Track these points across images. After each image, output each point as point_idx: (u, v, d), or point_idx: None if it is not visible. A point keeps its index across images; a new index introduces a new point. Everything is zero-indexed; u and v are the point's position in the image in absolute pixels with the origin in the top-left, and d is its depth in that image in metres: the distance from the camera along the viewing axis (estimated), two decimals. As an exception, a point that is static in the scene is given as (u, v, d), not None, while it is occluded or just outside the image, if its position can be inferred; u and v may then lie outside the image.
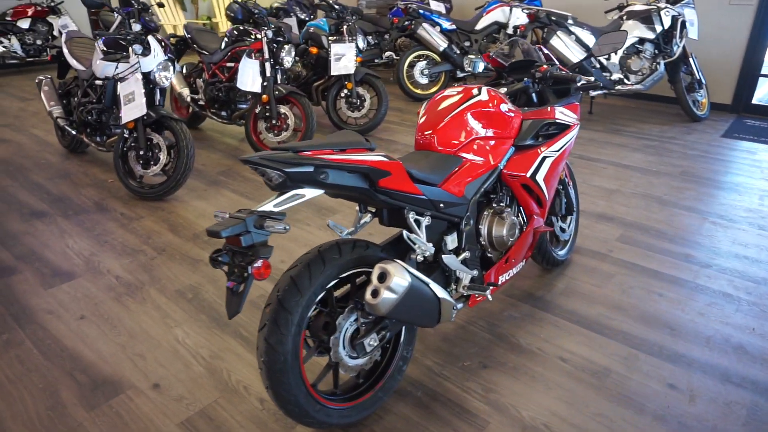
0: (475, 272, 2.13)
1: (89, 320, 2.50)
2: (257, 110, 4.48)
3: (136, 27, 5.09)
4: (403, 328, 1.98)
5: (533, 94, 2.46)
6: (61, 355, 2.27)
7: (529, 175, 2.24)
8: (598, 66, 5.27)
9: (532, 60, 2.53)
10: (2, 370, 2.19)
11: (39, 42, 8.08)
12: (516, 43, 2.59)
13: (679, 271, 2.88)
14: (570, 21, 5.20)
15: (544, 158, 2.29)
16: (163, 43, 3.80)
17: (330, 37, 5.04)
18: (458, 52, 6.38)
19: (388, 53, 7.10)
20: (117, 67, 3.72)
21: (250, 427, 1.91)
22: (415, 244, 1.85)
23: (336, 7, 5.29)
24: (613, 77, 5.33)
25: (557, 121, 2.36)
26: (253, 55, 4.40)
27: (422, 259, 1.89)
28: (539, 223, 2.39)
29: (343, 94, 5.16)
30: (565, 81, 2.33)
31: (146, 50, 3.63)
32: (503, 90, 2.45)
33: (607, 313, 2.53)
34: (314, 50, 5.20)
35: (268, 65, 4.38)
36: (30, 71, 8.57)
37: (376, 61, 7.35)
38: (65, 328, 2.44)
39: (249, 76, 4.37)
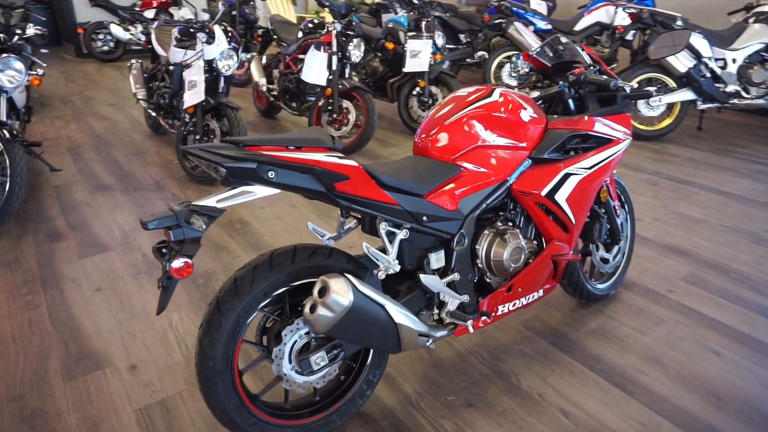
0: (466, 298, 1.88)
1: (103, 293, 2.60)
2: (320, 103, 4.46)
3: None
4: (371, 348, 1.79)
5: (569, 101, 2.11)
6: (66, 323, 2.38)
7: (544, 193, 1.92)
8: (709, 75, 4.56)
9: (575, 61, 2.18)
10: (12, 328, 2.33)
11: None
12: (556, 41, 2.26)
13: (753, 327, 2.35)
14: (679, 23, 4.55)
15: (567, 175, 1.96)
16: (229, 33, 3.90)
17: (408, 33, 4.88)
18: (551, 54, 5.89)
19: (480, 53, 6.76)
20: (185, 54, 3.88)
21: (200, 427, 1.84)
22: (377, 259, 1.65)
23: (415, 1, 5.11)
24: (727, 89, 4.59)
25: (593, 133, 2.01)
26: (322, 47, 4.38)
27: (384, 276, 1.68)
28: (562, 250, 2.06)
29: (415, 92, 4.99)
30: (604, 87, 1.97)
31: (210, 39, 3.74)
32: (535, 94, 2.14)
33: (640, 365, 2.13)
34: (390, 45, 5.07)
35: (334, 58, 4.34)
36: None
37: (467, 60, 7.05)
38: (80, 298, 2.55)
39: (315, 69, 4.36)
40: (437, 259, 1.80)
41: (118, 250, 2.99)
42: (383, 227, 1.69)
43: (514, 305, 2.03)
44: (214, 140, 3.82)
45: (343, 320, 1.50)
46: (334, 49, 4.34)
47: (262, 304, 1.58)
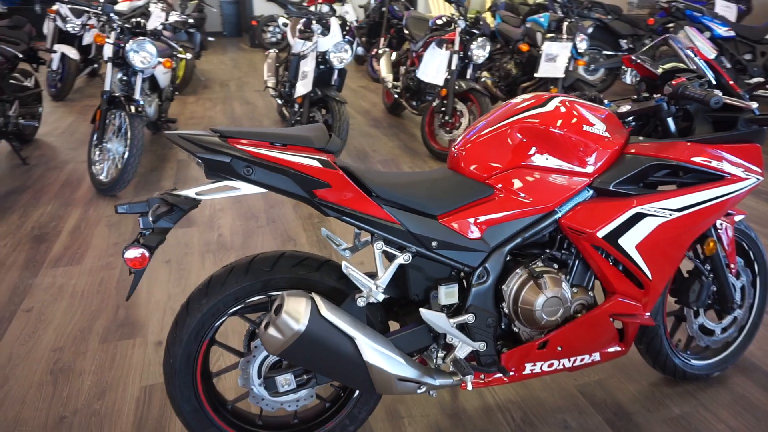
0: (482, 346, 1.55)
1: (169, 266, 2.73)
2: (435, 104, 4.24)
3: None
4: None
5: (669, 120, 1.63)
6: (126, 288, 2.54)
7: (602, 234, 1.50)
8: None
9: (686, 69, 1.69)
10: (86, 285, 2.56)
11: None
12: (667, 41, 1.76)
13: None
14: None
15: (640, 216, 1.51)
16: (347, 27, 3.87)
17: (546, 34, 4.43)
18: (728, 66, 4.90)
19: (643, 61, 5.92)
20: (303, 45, 3.95)
21: (187, 420, 1.79)
22: (358, 283, 1.42)
23: (558, 0, 4.61)
24: None
25: (689, 165, 1.52)
26: (444, 45, 4.16)
27: (365, 304, 1.44)
28: (630, 309, 1.61)
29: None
30: (704, 103, 1.47)
31: (326, 31, 3.75)
32: (625, 108, 1.69)
33: (723, 481, 1.59)
34: (525, 47, 4.65)
35: (455, 57, 4.08)
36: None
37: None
38: (149, 267, 2.72)
39: (433, 67, 4.15)
40: (447, 294, 1.51)
41: (200, 227, 3.14)
42: (378, 246, 1.45)
43: (550, 366, 1.64)
44: None
45: (294, 346, 1.31)
46: (456, 47, 4.08)
47: (234, 309, 1.46)
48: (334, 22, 3.77)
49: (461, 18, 4.08)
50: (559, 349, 1.61)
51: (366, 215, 1.40)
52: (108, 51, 3.43)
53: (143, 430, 1.75)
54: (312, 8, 9.29)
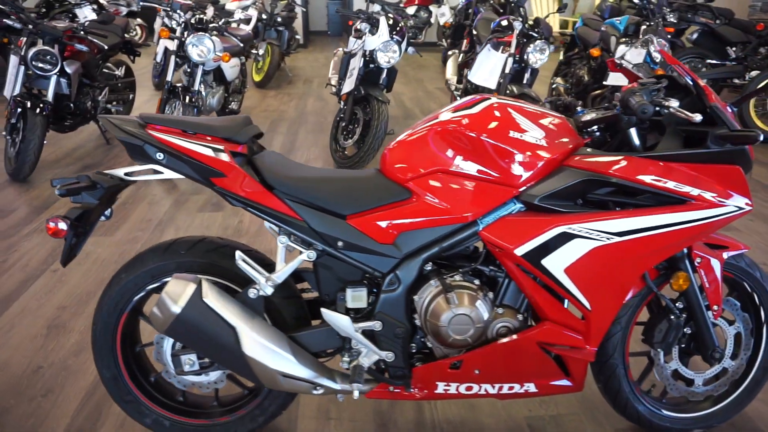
0: (389, 356, 1.48)
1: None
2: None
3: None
4: None
5: (630, 131, 1.42)
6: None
7: (520, 253, 1.36)
8: None
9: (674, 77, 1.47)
10: (108, 254, 2.82)
11: (420, 26, 9.34)
12: (648, 42, 1.54)
13: None
14: None
15: (566, 236, 1.34)
16: (398, 27, 3.86)
17: (620, 39, 4.08)
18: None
19: (753, 73, 5.22)
20: (355, 43, 4.00)
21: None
22: (250, 274, 1.41)
23: (636, 1, 4.20)
24: None
25: (636, 184, 1.33)
26: (501, 47, 3.99)
27: (256, 296, 1.43)
28: (562, 340, 1.45)
29: (612, 110, 4.14)
30: (633, 111, 1.26)
31: (374, 30, 3.77)
32: (589, 116, 1.51)
33: None
34: (596, 52, 4.31)
35: (510, 60, 3.90)
36: (409, 51, 10.01)
37: (735, 81, 5.50)
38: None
39: (486, 69, 4.01)
40: (354, 298, 1.46)
41: (226, 212, 3.32)
42: (281, 240, 1.44)
43: (469, 389, 1.52)
44: (356, 129, 3.88)
45: (174, 326, 1.35)
46: (512, 50, 3.90)
47: (151, 286, 1.53)
48: (383, 22, 3.78)
49: (518, 19, 3.88)
50: (477, 372, 1.49)
51: (267, 208, 1.40)
52: (171, 45, 3.74)
53: (99, 389, 1.89)
54: (409, 9, 9.39)
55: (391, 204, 1.43)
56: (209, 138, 1.40)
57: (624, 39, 4.03)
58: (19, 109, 3.61)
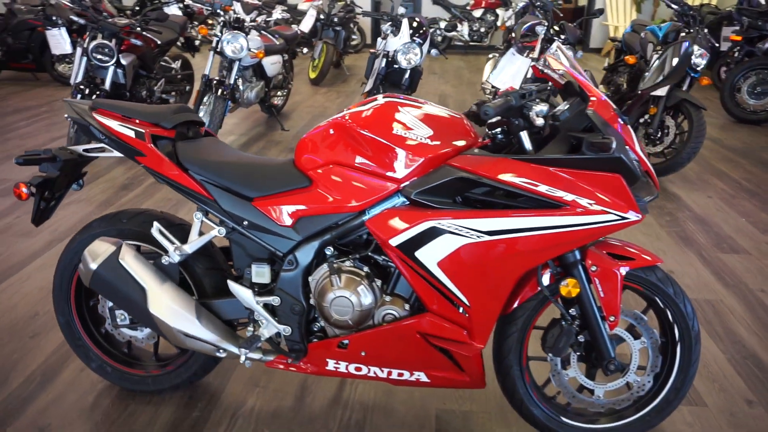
0: (286, 330, 1.62)
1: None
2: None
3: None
4: None
5: (521, 135, 1.44)
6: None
7: (395, 243, 1.43)
8: None
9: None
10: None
11: (483, 29, 9.27)
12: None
13: None
14: None
15: (436, 231, 1.40)
16: (422, 30, 3.95)
17: (656, 46, 3.90)
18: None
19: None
20: (379, 44, 4.13)
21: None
22: (163, 242, 1.60)
23: (674, 6, 3.98)
24: None
25: (499, 184, 1.36)
26: (526, 52, 3.96)
27: (168, 263, 1.61)
28: (443, 332, 1.51)
29: (643, 120, 3.97)
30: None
31: (396, 31, 3.88)
32: (491, 120, 1.55)
33: None
34: (631, 59, 4.13)
35: (530, 65, 3.85)
36: (473, 53, 9.94)
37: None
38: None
39: (508, 74, 3.99)
40: (257, 273, 1.62)
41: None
42: (197, 216, 1.63)
43: (358, 370, 1.62)
44: None
45: (93, 281, 1.57)
46: (536, 54, 3.85)
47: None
48: (405, 24, 3.87)
49: (542, 23, 3.83)
50: (363, 354, 1.59)
51: (182, 186, 1.59)
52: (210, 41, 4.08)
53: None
54: (476, 12, 9.34)
55: (293, 190, 1.56)
56: (138, 122, 1.61)
57: (659, 47, 3.84)
58: (79, 95, 4.10)
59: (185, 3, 6.71)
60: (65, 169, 1.71)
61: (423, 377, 1.62)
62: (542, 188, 1.36)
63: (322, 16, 6.82)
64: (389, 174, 1.47)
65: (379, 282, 1.56)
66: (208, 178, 1.58)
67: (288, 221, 1.56)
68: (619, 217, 1.38)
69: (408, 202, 1.48)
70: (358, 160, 1.50)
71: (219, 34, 4.11)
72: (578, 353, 1.61)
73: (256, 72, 4.74)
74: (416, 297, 1.57)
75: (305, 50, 5.83)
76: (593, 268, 1.50)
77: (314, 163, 1.55)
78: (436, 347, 1.55)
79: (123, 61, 4.25)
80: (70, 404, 1.84)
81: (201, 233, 1.65)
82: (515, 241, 1.38)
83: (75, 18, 4.07)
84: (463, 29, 9.34)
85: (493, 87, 4.36)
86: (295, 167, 1.59)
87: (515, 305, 1.56)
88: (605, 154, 1.34)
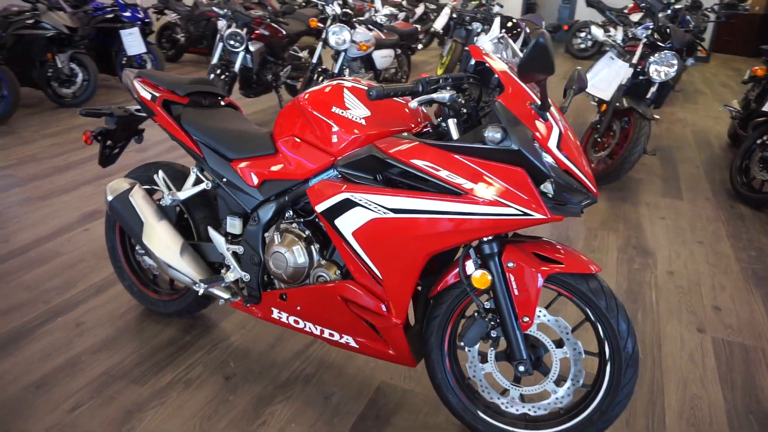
0: (246, 276, 1.87)
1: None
2: (594, 119, 3.81)
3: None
4: None
5: (448, 122, 1.48)
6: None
7: (320, 209, 1.58)
8: None
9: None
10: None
11: (640, 35, 8.52)
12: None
13: None
14: None
15: (349, 203, 1.51)
16: (517, 29, 3.89)
17: (792, 57, 3.36)
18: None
19: None
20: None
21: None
22: (163, 187, 1.94)
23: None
24: None
25: (412, 168, 1.43)
26: (626, 56, 3.69)
27: (169, 203, 1.95)
28: (359, 299, 1.62)
29: (760, 141, 3.44)
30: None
31: (486, 29, 3.88)
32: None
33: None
34: (760, 70, 3.58)
35: (629, 71, 3.58)
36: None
37: None
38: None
39: (604, 78, 3.74)
40: (230, 225, 1.89)
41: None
42: (194, 170, 1.95)
43: (296, 323, 1.81)
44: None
45: (110, 209, 1.97)
46: (634, 60, 3.56)
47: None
48: (496, 21, 3.85)
49: (644, 26, 3.52)
50: (298, 308, 1.77)
51: (182, 143, 1.91)
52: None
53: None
54: (633, 16, 8.67)
55: (262, 156, 1.80)
56: (159, 89, 1.97)
57: (795, 58, 3.29)
58: (212, 75, 4.82)
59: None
60: (120, 124, 2.15)
61: (351, 342, 1.74)
62: (443, 174, 1.41)
63: (455, 15, 6.93)
64: (326, 148, 1.63)
65: (317, 246, 1.73)
66: (200, 138, 1.89)
67: (255, 182, 1.79)
68: (520, 212, 1.36)
69: (339, 175, 1.62)
70: (307, 134, 1.68)
71: (326, 26, 4.50)
72: (495, 349, 1.60)
73: (366, 64, 5.06)
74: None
75: (446, 48, 5.99)
76: (509, 264, 1.49)
77: (279, 134, 1.77)
78: (358, 316, 1.67)
79: (251, 48, 4.87)
80: (106, 312, 2.31)
81: (196, 185, 1.97)
82: (416, 221, 1.45)
83: (216, 9, 4.78)
84: (617, 34, 8.66)
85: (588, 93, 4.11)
86: (270, 137, 1.82)
87: (439, 288, 1.61)
88: (503, 145, 1.34)
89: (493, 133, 1.35)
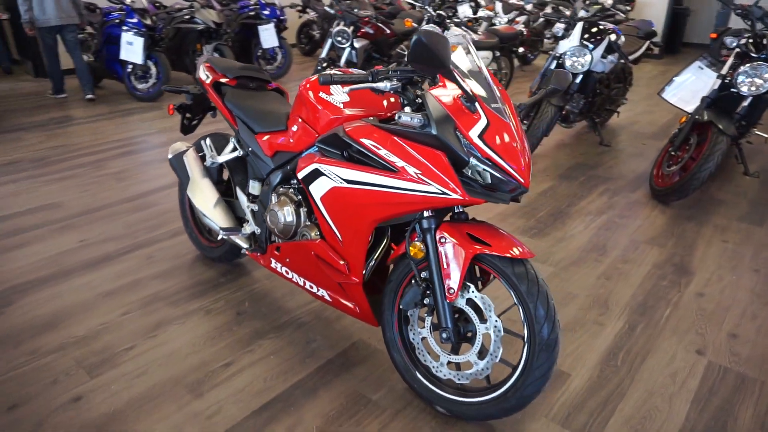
0: (258, 230, 2.25)
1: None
2: (675, 131, 3.58)
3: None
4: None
5: (406, 109, 1.68)
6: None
7: (300, 176, 1.89)
8: None
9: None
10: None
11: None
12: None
13: None
14: None
15: (318, 173, 1.80)
16: (598, 37, 3.81)
17: None
18: None
19: None
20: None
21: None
22: (206, 151, 2.40)
23: None
24: None
25: (361, 147, 1.67)
26: (715, 66, 3.43)
27: (210, 164, 2.38)
28: (328, 257, 1.91)
29: None
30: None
31: (567, 34, 3.85)
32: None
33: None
34: None
35: (716, 82, 3.33)
36: None
37: None
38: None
39: (689, 89, 3.52)
40: (252, 187, 2.29)
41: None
42: (231, 139, 2.38)
43: (287, 273, 2.15)
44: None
45: (171, 166, 2.47)
46: (724, 70, 3.31)
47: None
48: (577, 26, 3.79)
49: (742, 35, 3.24)
50: (287, 260, 2.10)
51: (224, 116, 2.35)
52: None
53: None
54: None
55: (276, 131, 2.16)
56: (215, 72, 2.42)
57: None
58: (319, 67, 5.36)
59: (476, 1, 7.55)
60: (196, 100, 2.66)
61: (326, 296, 2.04)
62: (382, 152, 1.63)
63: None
64: (314, 127, 1.93)
65: (305, 210, 2.04)
66: (237, 114, 2.30)
67: (269, 153, 2.16)
68: (440, 191, 1.54)
69: (318, 150, 1.91)
70: (304, 114, 1.99)
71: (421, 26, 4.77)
72: (431, 317, 1.78)
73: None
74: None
75: (522, 50, 5.94)
76: (441, 239, 1.67)
77: (291, 114, 2.11)
78: (326, 272, 1.95)
79: (356, 45, 5.32)
80: (172, 251, 2.87)
81: (232, 152, 2.39)
82: (362, 191, 1.69)
83: (327, 9, 5.30)
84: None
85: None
86: (287, 116, 2.18)
87: (394, 256, 1.83)
88: (426, 131, 1.53)
89: (405, 118, 1.54)
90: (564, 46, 3.92)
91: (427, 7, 4.86)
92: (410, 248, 1.72)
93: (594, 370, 2.06)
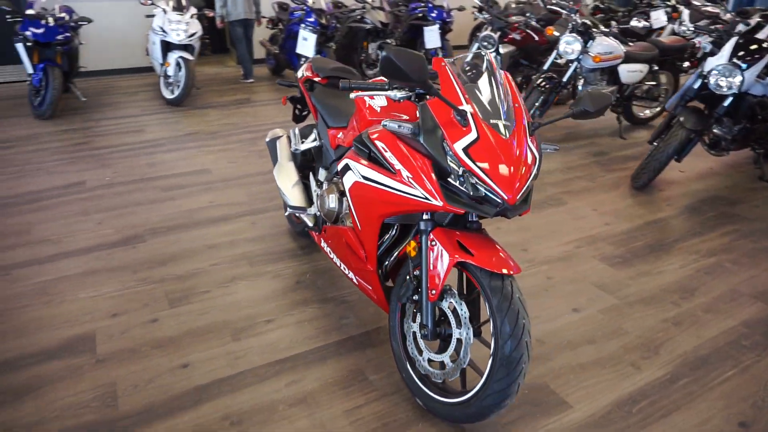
0: (318, 213, 2.56)
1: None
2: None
3: None
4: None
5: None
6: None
7: (339, 167, 2.12)
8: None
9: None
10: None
11: None
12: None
13: None
14: None
15: (348, 167, 2.01)
16: (756, 55, 3.31)
17: None
18: None
19: None
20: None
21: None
22: (292, 138, 2.75)
23: None
24: None
25: (375, 149, 1.85)
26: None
27: (295, 150, 2.73)
28: (354, 247, 2.13)
29: None
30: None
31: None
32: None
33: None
34: None
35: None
36: None
37: None
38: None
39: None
40: (321, 174, 2.61)
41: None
42: (314, 130, 2.71)
43: (330, 253, 2.41)
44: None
45: (267, 147, 2.90)
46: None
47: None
48: (729, 43, 3.30)
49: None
50: (330, 242, 2.37)
51: (310, 110, 2.69)
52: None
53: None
54: None
55: (340, 128, 2.43)
56: (311, 71, 2.77)
57: None
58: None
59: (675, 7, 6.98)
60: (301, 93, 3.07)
61: (354, 279, 2.26)
62: (388, 154, 1.79)
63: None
64: (358, 126, 2.15)
65: (347, 199, 2.28)
66: (318, 109, 2.62)
67: (333, 145, 2.45)
68: (423, 196, 1.65)
69: (354, 148, 2.12)
70: (355, 114, 2.22)
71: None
72: (419, 313, 1.89)
73: (610, 76, 4.89)
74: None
75: (686, 64, 5.21)
76: (432, 243, 1.77)
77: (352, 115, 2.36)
78: (350, 258, 2.17)
79: (501, 51, 5.32)
80: (272, 222, 3.35)
81: (312, 142, 2.73)
82: (372, 188, 1.87)
83: (477, 14, 5.37)
84: None
85: None
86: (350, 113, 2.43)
87: (402, 252, 1.98)
88: (417, 138, 1.65)
89: (392, 125, 1.67)
90: (711, 63, 3.46)
91: (574, 14, 4.64)
92: (408, 246, 1.85)
93: (601, 410, 1.94)
